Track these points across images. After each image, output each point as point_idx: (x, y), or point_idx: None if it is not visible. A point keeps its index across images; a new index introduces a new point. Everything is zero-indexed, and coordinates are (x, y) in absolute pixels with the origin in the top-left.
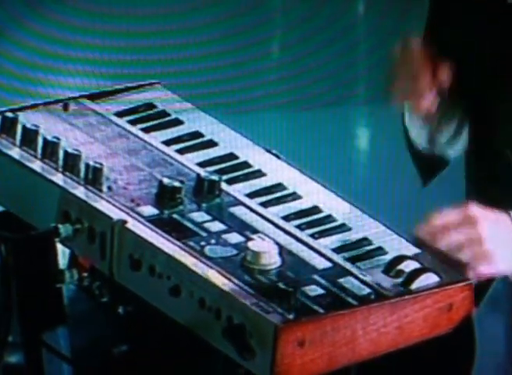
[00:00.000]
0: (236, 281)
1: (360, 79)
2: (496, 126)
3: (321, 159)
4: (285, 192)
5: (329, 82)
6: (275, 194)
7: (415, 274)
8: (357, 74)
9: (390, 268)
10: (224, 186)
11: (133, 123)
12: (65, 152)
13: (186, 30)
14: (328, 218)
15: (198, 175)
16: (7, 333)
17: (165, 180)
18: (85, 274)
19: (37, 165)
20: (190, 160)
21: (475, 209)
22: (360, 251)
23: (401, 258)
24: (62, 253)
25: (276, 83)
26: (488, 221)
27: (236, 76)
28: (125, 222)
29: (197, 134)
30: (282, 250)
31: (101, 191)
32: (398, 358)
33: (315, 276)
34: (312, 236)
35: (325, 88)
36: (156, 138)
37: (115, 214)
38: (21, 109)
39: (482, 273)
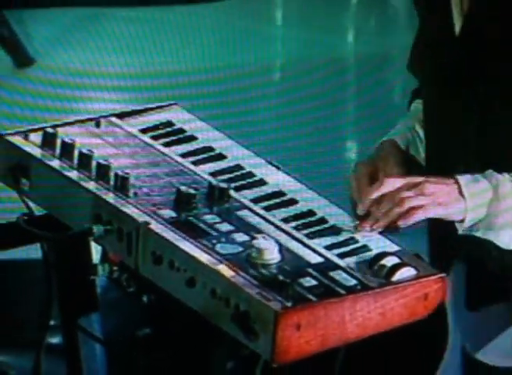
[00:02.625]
0: (242, 274)
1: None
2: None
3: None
4: (284, 198)
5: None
6: (275, 199)
7: (395, 268)
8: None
9: (374, 263)
10: (232, 193)
11: (154, 138)
12: (98, 163)
13: (199, 60)
14: (321, 220)
15: (210, 183)
16: (49, 319)
17: (182, 188)
18: (115, 268)
19: (73, 174)
20: (203, 171)
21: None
22: (348, 248)
23: (383, 255)
24: (95, 250)
25: (279, 106)
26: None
27: (241, 99)
28: (148, 223)
29: (209, 148)
30: (282, 247)
31: (127, 196)
32: (379, 344)
33: (309, 270)
34: (307, 235)
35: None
36: (174, 152)
37: (140, 217)
38: (60, 126)
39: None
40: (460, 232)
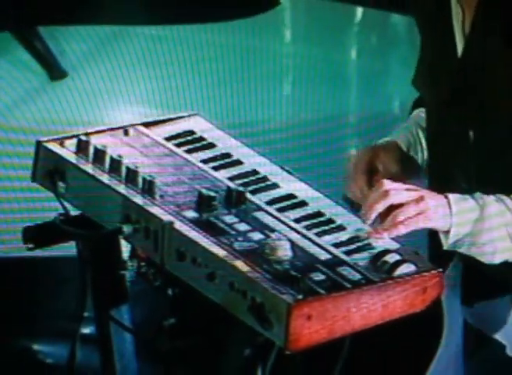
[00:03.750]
0: (258, 269)
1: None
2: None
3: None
4: (295, 200)
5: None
6: (287, 202)
7: (397, 264)
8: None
9: (377, 259)
10: (248, 195)
11: (178, 145)
12: (127, 168)
13: (213, 74)
14: (329, 220)
15: (228, 187)
16: (83, 310)
17: (203, 191)
18: (142, 263)
19: (105, 178)
20: (222, 175)
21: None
22: (353, 246)
23: (386, 252)
24: (125, 247)
25: (287, 116)
26: (426, 192)
27: (252, 109)
28: (173, 223)
29: (227, 155)
30: (293, 245)
31: (154, 198)
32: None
33: (319, 266)
34: (316, 234)
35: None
36: (196, 158)
37: (165, 217)
38: (92, 133)
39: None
40: (444, 247)
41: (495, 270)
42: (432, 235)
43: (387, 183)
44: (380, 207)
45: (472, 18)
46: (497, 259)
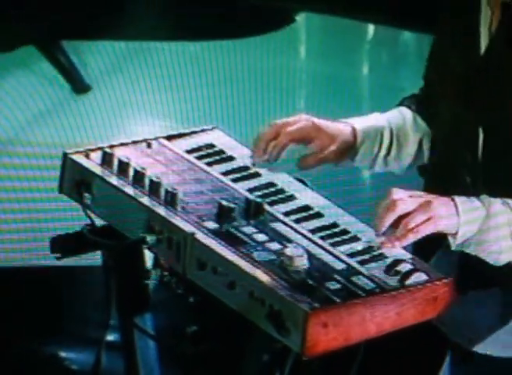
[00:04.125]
0: (276, 278)
1: None
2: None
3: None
4: (311, 212)
5: None
6: (304, 213)
7: (409, 273)
8: None
9: (390, 269)
10: (266, 207)
11: (199, 158)
12: (150, 180)
13: (235, 88)
14: (344, 231)
15: (247, 199)
16: (108, 318)
17: (223, 202)
18: (165, 273)
19: (129, 189)
20: (242, 187)
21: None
22: (367, 256)
23: (399, 262)
24: (149, 256)
25: None
26: (432, 197)
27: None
28: (194, 233)
29: (246, 168)
30: (310, 255)
31: (176, 210)
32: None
33: (334, 275)
34: (332, 244)
35: None
36: (216, 170)
37: (187, 227)
38: (116, 146)
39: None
40: (452, 248)
41: (484, 265)
42: None
43: (394, 193)
44: (389, 219)
45: (500, 18)
46: (502, 259)
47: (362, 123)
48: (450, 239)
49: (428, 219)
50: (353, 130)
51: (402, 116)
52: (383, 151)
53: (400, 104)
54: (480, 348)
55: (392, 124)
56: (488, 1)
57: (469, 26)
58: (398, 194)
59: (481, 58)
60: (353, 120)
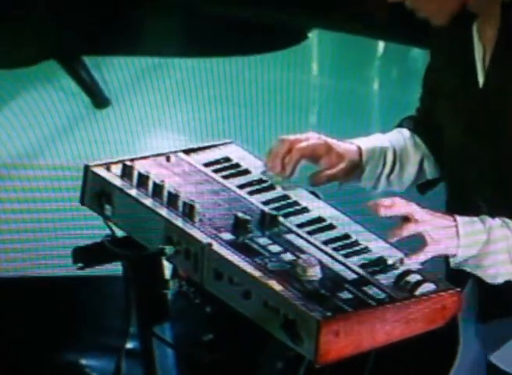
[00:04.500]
0: (290, 288)
1: None
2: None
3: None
4: (324, 223)
5: None
6: (317, 225)
7: (418, 284)
8: None
9: (400, 279)
10: (281, 219)
11: (215, 171)
12: (169, 192)
13: (250, 103)
14: (356, 242)
15: (262, 211)
16: (128, 326)
17: (239, 214)
18: (183, 283)
19: (148, 201)
20: (257, 200)
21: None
22: (378, 266)
23: (408, 272)
24: (167, 267)
25: None
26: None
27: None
28: (211, 244)
29: (261, 181)
30: (323, 266)
31: (194, 221)
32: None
33: (346, 285)
34: (344, 255)
35: None
36: (232, 183)
37: (204, 239)
38: (136, 159)
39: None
40: (451, 265)
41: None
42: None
43: (416, 212)
44: (404, 234)
45: (492, 53)
46: (499, 280)
47: (367, 143)
48: (450, 258)
49: (430, 246)
50: (359, 149)
51: (402, 136)
52: (386, 171)
53: (399, 125)
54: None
55: (394, 145)
56: (479, 38)
57: (464, 59)
58: (421, 212)
59: (480, 92)
60: (357, 140)
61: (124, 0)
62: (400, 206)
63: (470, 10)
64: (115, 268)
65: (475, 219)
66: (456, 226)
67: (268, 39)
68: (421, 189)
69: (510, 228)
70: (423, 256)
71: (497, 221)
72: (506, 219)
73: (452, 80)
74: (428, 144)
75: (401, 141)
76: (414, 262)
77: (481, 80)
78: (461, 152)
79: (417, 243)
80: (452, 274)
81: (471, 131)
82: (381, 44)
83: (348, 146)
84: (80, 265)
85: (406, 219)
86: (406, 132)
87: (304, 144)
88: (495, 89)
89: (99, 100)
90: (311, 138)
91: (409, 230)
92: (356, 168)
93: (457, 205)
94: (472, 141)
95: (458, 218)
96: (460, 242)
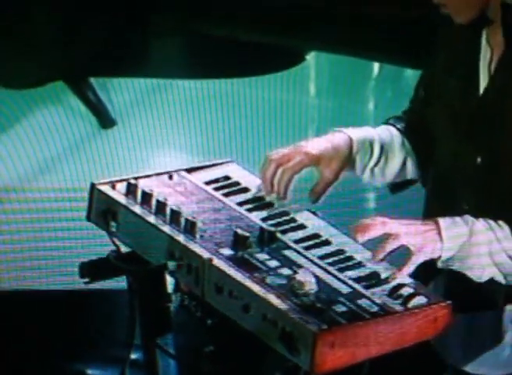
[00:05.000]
0: (287, 302)
1: None
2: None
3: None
4: (320, 239)
5: None
6: (313, 241)
7: (410, 297)
8: None
9: (393, 292)
10: (279, 235)
11: (216, 189)
12: (171, 210)
13: (250, 122)
14: (350, 257)
15: (261, 227)
16: (132, 338)
17: (239, 231)
18: (185, 296)
19: (151, 218)
20: (256, 216)
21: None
22: (371, 281)
23: (401, 286)
24: (170, 281)
25: None
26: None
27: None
28: (211, 260)
29: (259, 198)
30: (319, 280)
31: (195, 237)
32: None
33: (341, 298)
34: (339, 270)
35: None
36: (232, 201)
37: (205, 254)
38: (140, 178)
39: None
40: (438, 266)
41: (481, 286)
42: None
43: (391, 228)
44: (388, 250)
45: (500, 57)
46: (484, 278)
47: (357, 133)
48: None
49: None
50: (350, 140)
51: (390, 133)
52: (372, 163)
53: (387, 122)
54: (472, 369)
55: (382, 139)
56: (487, 40)
57: (469, 62)
58: (396, 227)
59: (481, 97)
60: (349, 131)
61: (129, 24)
62: (375, 229)
63: (487, 15)
64: (120, 282)
65: (458, 220)
66: (438, 229)
67: (268, 61)
68: (392, 188)
69: (494, 231)
70: (412, 266)
71: (481, 223)
72: (490, 221)
73: (453, 82)
74: (414, 146)
75: (389, 137)
76: (405, 274)
77: (482, 84)
78: (452, 155)
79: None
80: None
81: (466, 135)
82: (376, 65)
83: (338, 140)
84: (86, 279)
85: (386, 235)
86: (393, 130)
87: (291, 163)
88: (498, 92)
89: (105, 120)
90: (298, 153)
91: (391, 245)
92: (347, 161)
93: (439, 207)
94: (466, 145)
95: (440, 221)
96: (443, 245)
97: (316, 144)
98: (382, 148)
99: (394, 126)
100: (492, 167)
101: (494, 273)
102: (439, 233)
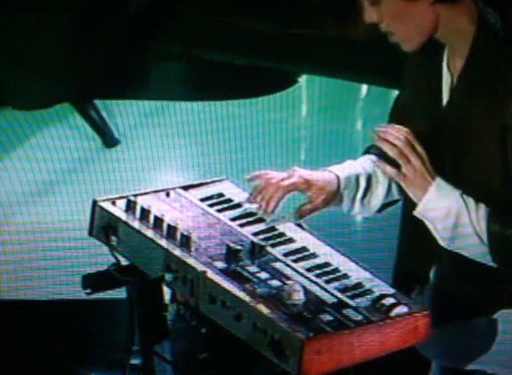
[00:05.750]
0: (276, 311)
1: None
2: None
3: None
4: (307, 253)
5: None
6: (301, 253)
7: (392, 306)
8: None
9: (376, 302)
10: (268, 249)
11: (210, 206)
12: (168, 225)
13: (245, 141)
14: (336, 269)
15: (252, 241)
16: (132, 345)
17: (231, 245)
18: (181, 306)
19: (150, 233)
20: (247, 231)
21: None
22: (356, 291)
23: (383, 296)
24: (167, 292)
25: None
26: None
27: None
28: (206, 272)
29: (251, 214)
30: (306, 291)
31: (190, 251)
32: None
33: (327, 308)
34: (325, 281)
35: None
36: (225, 216)
37: (200, 267)
38: (139, 195)
39: None
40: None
41: (465, 293)
42: (398, 265)
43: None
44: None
45: (457, 79)
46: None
47: (343, 171)
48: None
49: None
50: (337, 178)
51: (372, 163)
52: (359, 195)
53: (367, 152)
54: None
55: (366, 171)
56: (447, 64)
57: (432, 88)
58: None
59: (443, 110)
60: (334, 169)
61: (132, 50)
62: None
63: (439, 40)
64: (120, 293)
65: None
66: (431, 184)
67: (262, 84)
68: (378, 208)
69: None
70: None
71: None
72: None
73: (419, 107)
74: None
75: (371, 166)
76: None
77: (445, 100)
78: None
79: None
80: (400, 282)
81: (429, 151)
82: (364, 87)
83: (327, 177)
84: (88, 290)
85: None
86: (374, 158)
87: (285, 182)
88: (457, 113)
89: (109, 139)
90: (293, 176)
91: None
92: (335, 196)
93: (410, 213)
94: (432, 157)
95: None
96: (426, 196)
97: (309, 172)
98: (367, 179)
99: (375, 154)
100: (450, 179)
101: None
102: (430, 186)
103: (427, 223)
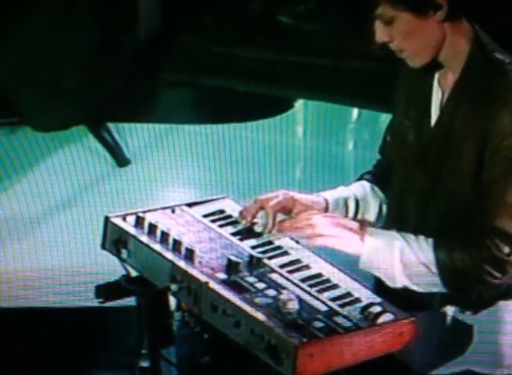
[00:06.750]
0: (272, 318)
1: None
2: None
3: None
4: (301, 264)
5: None
6: (295, 265)
7: (379, 314)
8: None
9: (364, 310)
10: (266, 261)
11: (212, 221)
12: (174, 239)
13: (246, 162)
14: (327, 280)
15: (251, 254)
16: (141, 349)
17: (232, 257)
18: (186, 314)
19: (157, 246)
20: (246, 245)
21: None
22: (345, 300)
23: (371, 305)
24: (172, 301)
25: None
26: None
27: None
28: (208, 283)
29: (250, 230)
30: (300, 299)
31: (194, 263)
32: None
33: (319, 316)
34: (318, 291)
35: None
36: (226, 231)
37: (203, 278)
38: (147, 211)
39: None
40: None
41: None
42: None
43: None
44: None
45: (447, 98)
46: (398, 285)
47: (332, 195)
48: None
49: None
50: (326, 201)
51: (363, 187)
52: (349, 217)
53: (360, 178)
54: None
55: (356, 194)
56: (439, 82)
57: (423, 106)
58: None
59: (431, 129)
60: (324, 193)
61: (143, 77)
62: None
63: (439, 60)
64: (130, 301)
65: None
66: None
67: (261, 108)
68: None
69: (410, 242)
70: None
71: (402, 235)
72: (412, 235)
73: (409, 119)
74: (385, 191)
75: (362, 191)
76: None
77: (433, 119)
78: (404, 181)
79: None
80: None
81: (416, 164)
82: (355, 110)
83: (316, 199)
84: (101, 299)
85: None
86: (366, 183)
87: (274, 201)
88: (444, 128)
89: (121, 160)
90: (280, 195)
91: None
92: None
93: (392, 226)
94: (415, 171)
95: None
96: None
97: (299, 194)
98: (356, 202)
99: (367, 179)
100: (433, 191)
101: (405, 281)
102: (363, 242)
103: (375, 273)
